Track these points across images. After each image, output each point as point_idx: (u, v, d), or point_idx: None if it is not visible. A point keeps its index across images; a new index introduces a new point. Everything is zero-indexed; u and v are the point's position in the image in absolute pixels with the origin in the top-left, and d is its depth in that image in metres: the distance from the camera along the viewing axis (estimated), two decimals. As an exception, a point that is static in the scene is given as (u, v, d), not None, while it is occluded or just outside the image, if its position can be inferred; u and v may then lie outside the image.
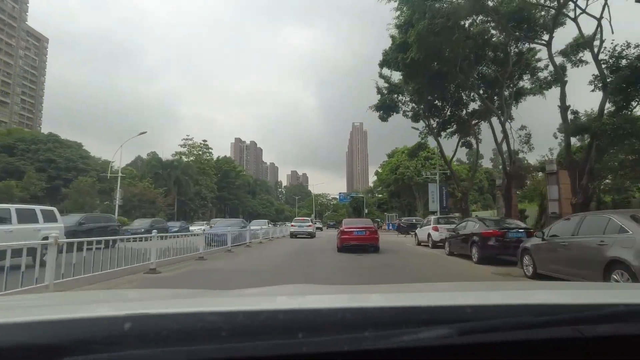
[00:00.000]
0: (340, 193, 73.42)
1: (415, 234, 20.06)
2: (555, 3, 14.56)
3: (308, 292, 1.56)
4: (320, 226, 51.30)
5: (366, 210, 65.47)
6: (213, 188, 56.19)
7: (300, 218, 31.91)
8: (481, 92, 20.34)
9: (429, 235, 17.11)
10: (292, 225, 28.88)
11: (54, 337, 0.69)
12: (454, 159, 29.85)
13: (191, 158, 54.22)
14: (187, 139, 59.74)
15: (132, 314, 0.76)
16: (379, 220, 48.10)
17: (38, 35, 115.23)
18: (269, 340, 0.70)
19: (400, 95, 22.78)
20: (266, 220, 28.83)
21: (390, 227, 45.57)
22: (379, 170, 58.32)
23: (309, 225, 28.59)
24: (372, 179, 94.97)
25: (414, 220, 35.78)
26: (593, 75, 13.76)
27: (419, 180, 42.50)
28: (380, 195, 79.85)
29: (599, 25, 13.56)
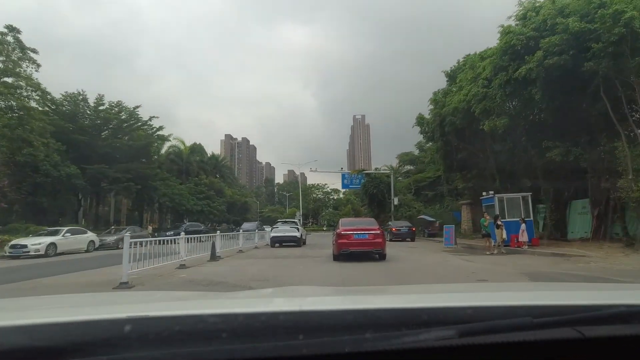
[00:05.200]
0: (344, 173, 41.38)
1: None
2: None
3: (308, 293, 1.58)
4: (298, 235, 19.76)
5: (396, 201, 33.59)
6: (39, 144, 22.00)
7: None
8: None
9: None
10: None
11: (55, 339, 0.68)
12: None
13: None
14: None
15: (133, 316, 0.75)
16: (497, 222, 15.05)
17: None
18: (270, 341, 0.71)
19: None
20: None
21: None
22: (431, 109, 26.59)
23: None
24: (388, 157, 62.54)
25: None
26: None
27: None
28: (405, 178, 47.91)
29: None
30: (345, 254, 11.10)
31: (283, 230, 19.90)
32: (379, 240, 11.28)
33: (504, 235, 13.33)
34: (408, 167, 51.29)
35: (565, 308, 0.89)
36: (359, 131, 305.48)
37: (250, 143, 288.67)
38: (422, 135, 29.98)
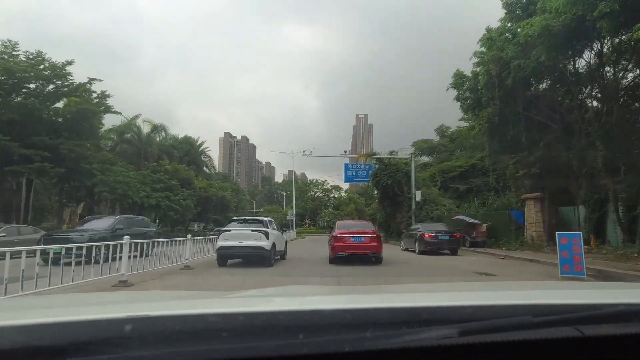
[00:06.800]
0: (347, 163, 32.44)
1: None
2: None
3: (308, 293, 1.61)
4: (264, 245, 10.56)
5: (418, 196, 24.53)
6: None
7: None
8: None
9: None
10: None
11: (55, 339, 0.68)
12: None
13: None
14: None
15: (133, 315, 0.76)
16: None
17: None
18: (270, 341, 0.71)
19: None
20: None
21: None
22: (476, 61, 17.73)
23: None
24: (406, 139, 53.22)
25: None
26: None
27: None
28: (422, 170, 38.03)
29: None
30: (342, 257, 11.07)
31: (237, 235, 10.86)
32: (375, 243, 11.33)
33: None
34: (426, 159, 42.04)
35: (565, 307, 0.88)
36: (362, 131, 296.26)
37: (250, 142, 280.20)
38: (458, 104, 21.08)
